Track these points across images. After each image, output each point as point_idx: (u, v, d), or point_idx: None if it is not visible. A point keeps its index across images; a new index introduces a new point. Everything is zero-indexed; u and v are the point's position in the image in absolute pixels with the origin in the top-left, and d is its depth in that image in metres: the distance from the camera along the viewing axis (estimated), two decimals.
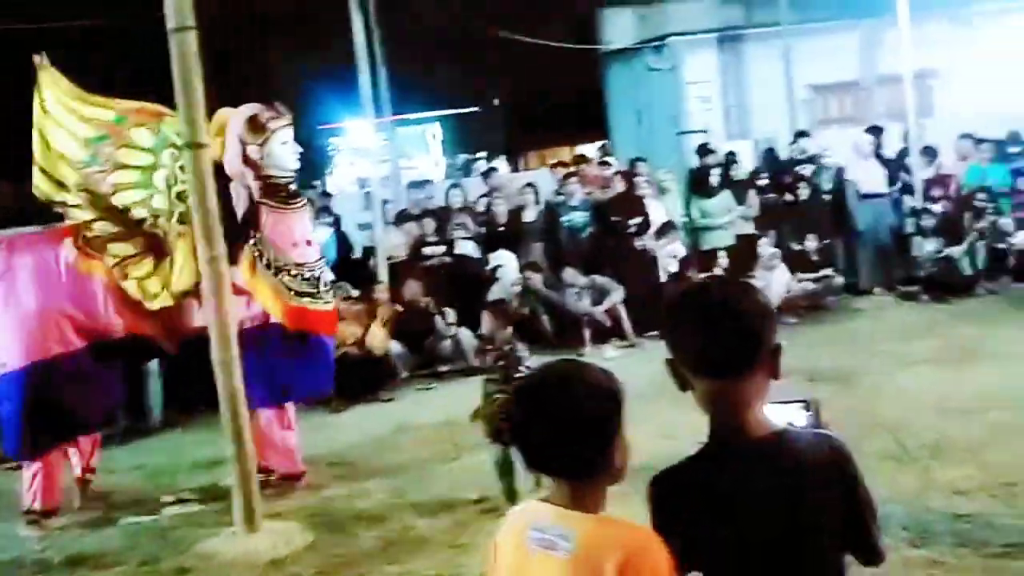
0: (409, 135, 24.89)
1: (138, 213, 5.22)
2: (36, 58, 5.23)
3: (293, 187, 5.38)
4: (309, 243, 5.43)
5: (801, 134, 10.44)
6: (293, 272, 5.25)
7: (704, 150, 10.36)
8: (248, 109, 5.24)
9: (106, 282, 5.22)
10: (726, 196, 9.62)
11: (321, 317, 5.47)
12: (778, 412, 1.76)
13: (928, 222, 9.32)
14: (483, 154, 23.27)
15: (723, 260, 9.16)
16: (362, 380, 7.42)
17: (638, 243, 9.35)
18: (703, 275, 9.11)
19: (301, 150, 5.36)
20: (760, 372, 1.60)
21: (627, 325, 8.88)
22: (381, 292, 8.26)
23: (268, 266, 5.23)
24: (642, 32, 13.94)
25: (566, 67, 16.43)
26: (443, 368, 8.36)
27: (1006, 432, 5.27)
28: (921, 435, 5.35)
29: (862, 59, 13.35)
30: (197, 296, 5.01)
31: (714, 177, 9.62)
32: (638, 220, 9.39)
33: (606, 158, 11.35)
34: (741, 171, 10.03)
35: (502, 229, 9.60)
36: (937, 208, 9.45)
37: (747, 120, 13.33)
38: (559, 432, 1.56)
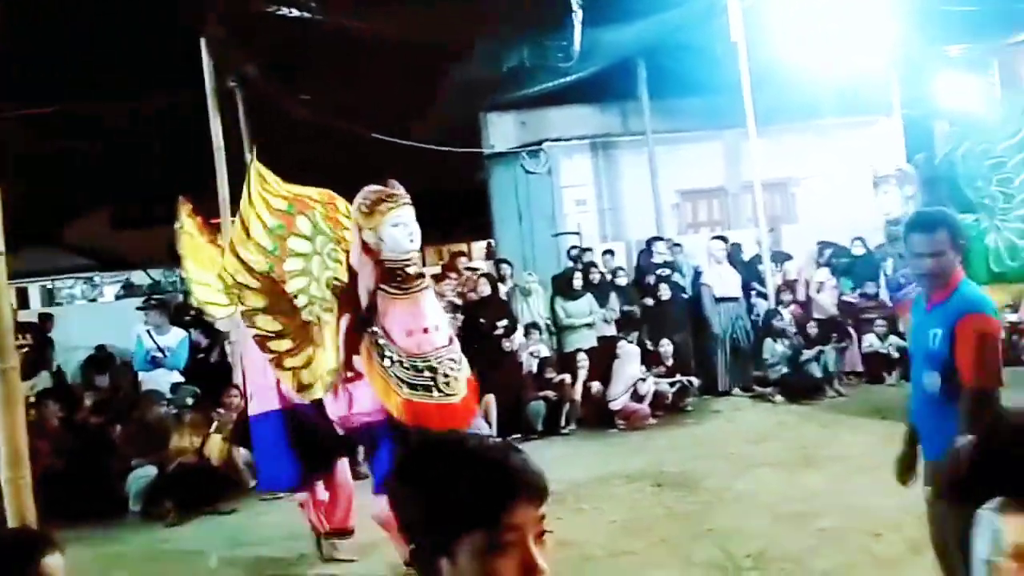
0: None
1: (301, 301, 5.16)
2: (248, 155, 5.19)
3: (412, 270, 4.97)
4: (426, 331, 4.89)
5: (656, 239, 10.77)
6: (406, 364, 4.83)
7: (574, 252, 10.57)
8: (361, 194, 4.99)
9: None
10: (588, 298, 9.78)
11: (442, 412, 4.86)
12: None
13: (780, 324, 9.61)
14: None
15: (584, 361, 9.27)
16: (201, 491, 7.07)
17: (505, 345, 9.38)
18: (564, 375, 9.24)
19: (417, 230, 5.00)
20: None
21: (493, 429, 8.83)
22: (234, 397, 7.95)
23: (382, 356, 4.85)
24: (523, 136, 14.32)
25: (456, 166, 16.68)
26: None
27: (832, 539, 5.36)
28: (749, 543, 5.39)
29: (727, 166, 14.00)
30: (335, 387, 5.03)
31: (577, 280, 9.78)
32: (504, 322, 9.44)
33: (472, 263, 11.45)
34: (602, 274, 10.23)
35: None
36: (786, 312, 9.77)
37: (621, 223, 13.73)
38: None
